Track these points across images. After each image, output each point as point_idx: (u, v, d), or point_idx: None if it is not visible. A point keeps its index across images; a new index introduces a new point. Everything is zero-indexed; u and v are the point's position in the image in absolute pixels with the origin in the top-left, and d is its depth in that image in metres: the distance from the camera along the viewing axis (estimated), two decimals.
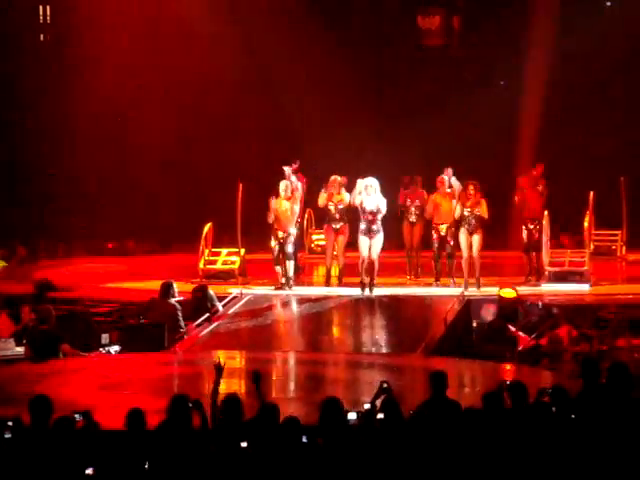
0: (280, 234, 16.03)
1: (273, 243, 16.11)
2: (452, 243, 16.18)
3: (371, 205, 15.40)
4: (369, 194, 15.35)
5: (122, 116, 22.75)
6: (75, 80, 22.32)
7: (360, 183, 15.45)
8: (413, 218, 16.94)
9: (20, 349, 13.33)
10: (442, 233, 16.26)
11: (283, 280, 16.08)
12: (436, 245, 16.35)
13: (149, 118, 22.57)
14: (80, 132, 22.56)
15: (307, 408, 9.45)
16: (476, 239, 15.79)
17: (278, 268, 16.19)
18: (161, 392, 9.97)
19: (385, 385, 7.72)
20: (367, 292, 15.57)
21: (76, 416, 7.35)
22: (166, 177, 23.36)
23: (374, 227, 15.43)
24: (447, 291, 15.80)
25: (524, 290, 14.97)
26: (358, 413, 7.48)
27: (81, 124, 22.52)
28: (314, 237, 20.10)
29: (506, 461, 6.50)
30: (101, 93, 22.05)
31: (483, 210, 15.69)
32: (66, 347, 13.06)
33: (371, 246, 15.48)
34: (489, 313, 13.75)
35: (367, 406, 7.61)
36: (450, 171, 16.91)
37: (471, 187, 15.78)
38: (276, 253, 16.11)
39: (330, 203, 16.30)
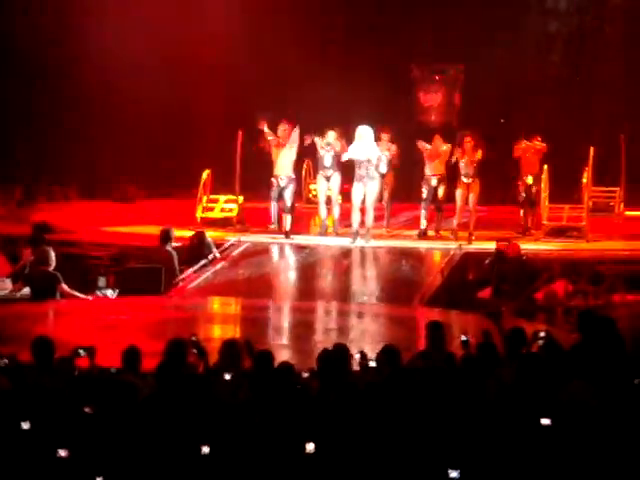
0: (278, 181, 16.37)
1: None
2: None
3: (362, 154, 15.44)
4: (360, 143, 15.42)
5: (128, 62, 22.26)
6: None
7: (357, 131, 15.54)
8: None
9: (27, 290, 13.28)
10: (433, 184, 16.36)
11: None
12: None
13: (148, 68, 22.23)
14: (84, 78, 22.21)
15: (299, 355, 9.52)
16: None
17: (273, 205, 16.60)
18: (158, 335, 10.01)
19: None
20: (361, 242, 15.60)
21: (80, 352, 7.37)
22: (166, 125, 23.17)
23: (368, 174, 15.48)
24: (444, 244, 15.84)
25: (520, 244, 14.97)
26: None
27: (84, 69, 22.24)
28: (312, 187, 20.06)
29: (498, 408, 6.54)
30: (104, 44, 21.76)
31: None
32: (63, 288, 13.09)
33: (365, 194, 15.55)
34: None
35: (357, 355, 7.69)
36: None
37: (467, 139, 15.89)
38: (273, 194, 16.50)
39: (322, 150, 16.28)
